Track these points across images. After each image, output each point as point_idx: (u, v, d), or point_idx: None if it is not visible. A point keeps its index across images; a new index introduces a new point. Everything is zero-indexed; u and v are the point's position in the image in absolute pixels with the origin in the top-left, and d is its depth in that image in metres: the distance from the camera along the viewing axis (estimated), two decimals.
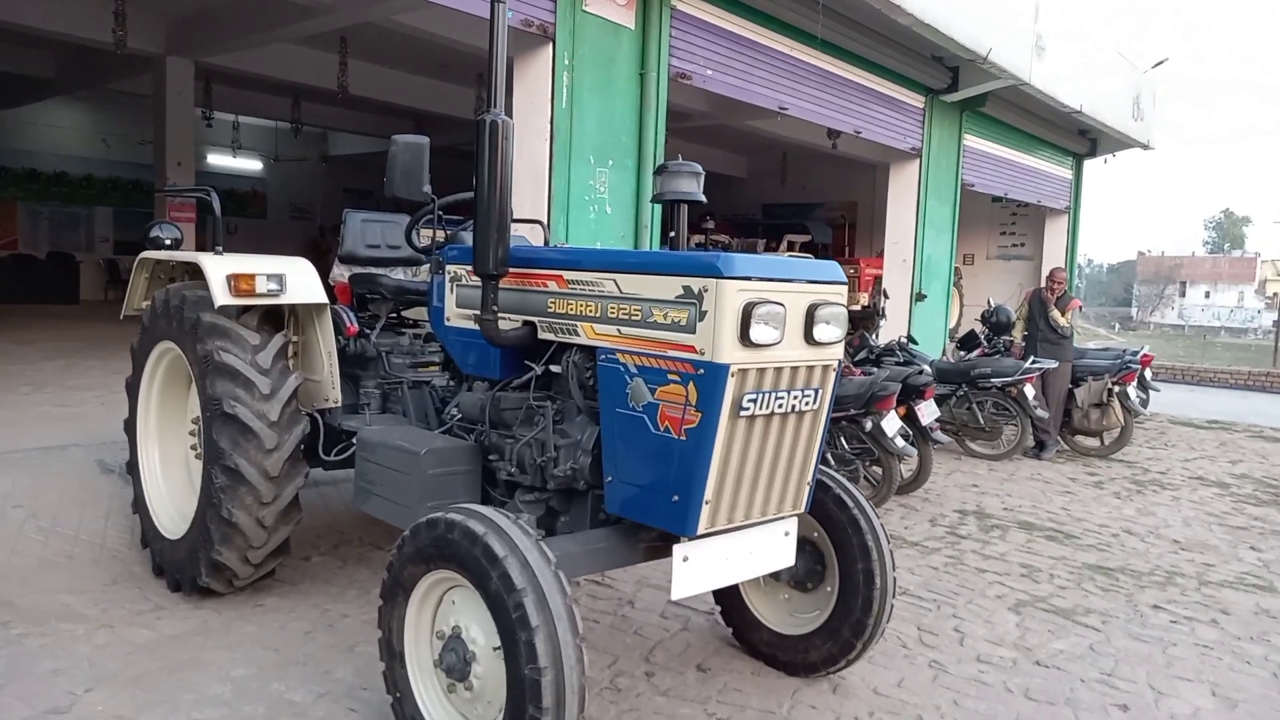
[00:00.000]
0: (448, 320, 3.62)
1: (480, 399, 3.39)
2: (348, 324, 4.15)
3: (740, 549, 2.97)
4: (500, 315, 3.16)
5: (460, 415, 3.63)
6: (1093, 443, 9.10)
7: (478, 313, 3.40)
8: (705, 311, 2.64)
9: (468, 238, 3.79)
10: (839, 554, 3.48)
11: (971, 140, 13.99)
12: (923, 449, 6.64)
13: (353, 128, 18.36)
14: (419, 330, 4.67)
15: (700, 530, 2.75)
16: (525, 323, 3.26)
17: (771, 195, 21.21)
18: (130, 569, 4.41)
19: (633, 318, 2.86)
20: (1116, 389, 8.63)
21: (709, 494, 2.72)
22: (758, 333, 2.63)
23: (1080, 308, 10.05)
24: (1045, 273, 8.78)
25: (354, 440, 4.01)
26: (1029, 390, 8.17)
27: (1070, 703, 3.63)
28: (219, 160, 19.86)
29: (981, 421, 8.44)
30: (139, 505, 4.44)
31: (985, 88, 12.61)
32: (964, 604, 4.67)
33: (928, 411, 6.68)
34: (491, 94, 3.04)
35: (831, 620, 3.50)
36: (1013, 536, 6.01)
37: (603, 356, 2.95)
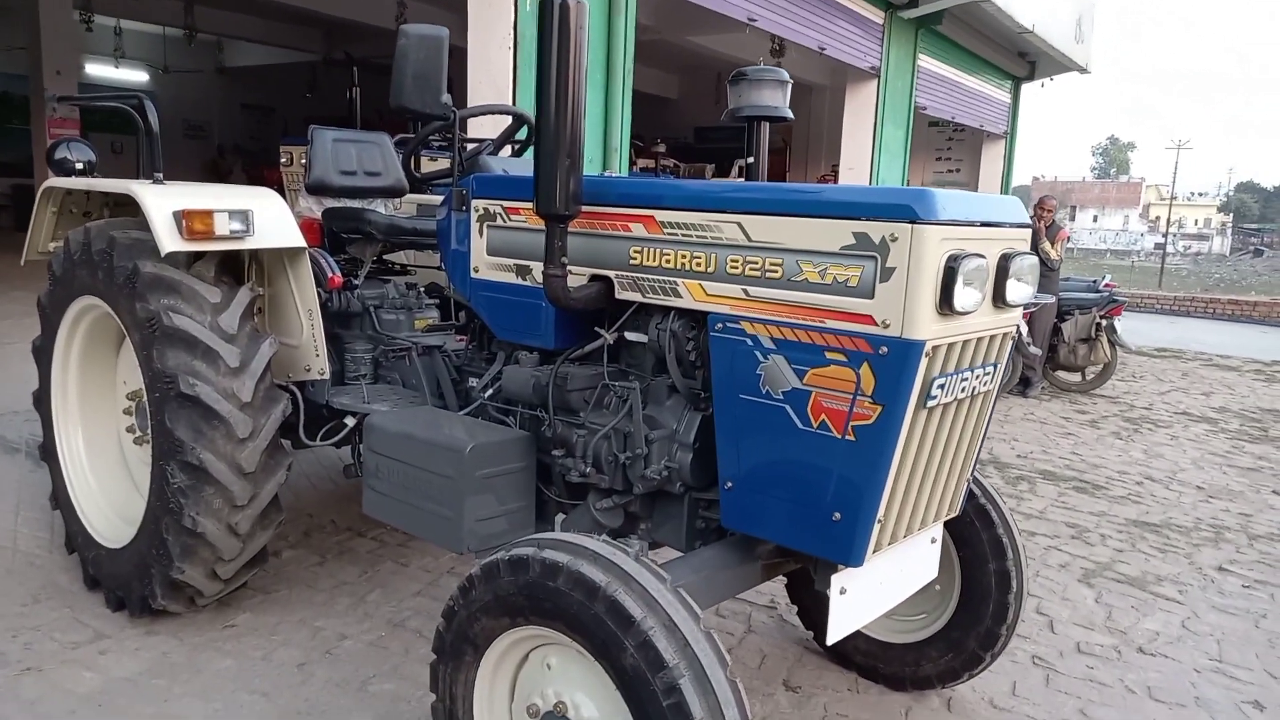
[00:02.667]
0: (475, 271, 2.82)
1: (531, 375, 2.62)
2: (330, 273, 3.28)
3: (894, 568, 2.35)
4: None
5: (493, 394, 2.86)
6: (1074, 378, 8.84)
7: (524, 263, 2.63)
8: (891, 269, 1.93)
9: (494, 164, 2.98)
10: (962, 550, 2.89)
11: (925, 61, 13.40)
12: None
13: (252, 35, 16.57)
14: (410, 278, 3.82)
15: (868, 556, 2.10)
16: (594, 278, 2.50)
17: (705, 118, 20.27)
18: (54, 580, 3.53)
19: (769, 275, 2.13)
20: (1104, 323, 8.32)
21: (881, 511, 2.06)
22: (962, 297, 1.95)
23: (1069, 238, 9.69)
24: (1034, 201, 8.36)
25: (345, 420, 3.22)
26: (1022, 327, 7.77)
27: (1201, 703, 3.19)
28: (99, 71, 17.71)
29: None
30: (60, 500, 3.54)
31: (945, 3, 11.99)
32: (1030, 576, 4.19)
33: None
34: None
35: (952, 628, 2.94)
36: (1043, 490, 5.60)
37: (718, 325, 2.23)
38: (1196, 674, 3.41)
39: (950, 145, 19.28)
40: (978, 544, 2.86)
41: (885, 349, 1.96)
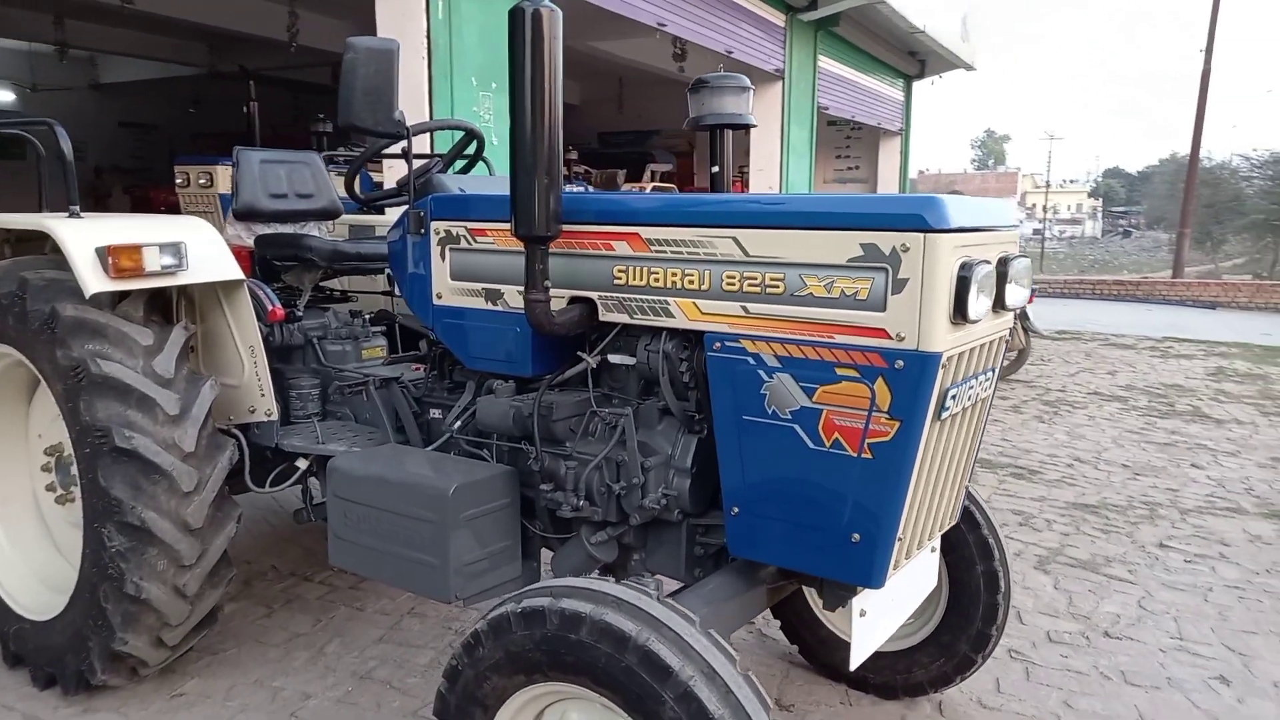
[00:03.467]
0: (438, 298, 2.65)
1: (509, 405, 2.47)
2: (270, 305, 3.05)
3: (904, 582, 2.30)
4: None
5: (463, 426, 2.69)
6: None
7: (494, 287, 2.49)
8: (904, 280, 1.87)
9: (450, 183, 2.82)
10: (949, 554, 2.87)
11: (825, 62, 13.66)
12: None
13: (130, 50, 15.65)
14: (352, 305, 3.59)
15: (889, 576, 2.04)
16: (574, 299, 2.37)
17: (608, 123, 20.21)
18: None
19: (769, 291, 2.05)
20: (1018, 310, 8.58)
21: (901, 528, 2.00)
22: (975, 305, 1.91)
23: None
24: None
25: (296, 464, 3.00)
26: (1027, 308, 8.00)
27: (1174, 684, 3.26)
28: None
29: None
30: None
31: (842, 5, 12.25)
32: None
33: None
34: None
35: (942, 633, 2.92)
36: (983, 479, 5.70)
37: (715, 345, 2.13)
38: (1162, 654, 3.49)
39: (849, 144, 19.74)
40: (964, 547, 2.85)
41: (901, 363, 1.89)
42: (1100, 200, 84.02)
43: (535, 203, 2.16)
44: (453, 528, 2.28)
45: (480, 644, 1.91)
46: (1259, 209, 25.04)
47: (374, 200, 3.09)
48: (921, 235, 1.85)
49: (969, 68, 18.40)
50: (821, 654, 3.16)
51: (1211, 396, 8.57)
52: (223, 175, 9.47)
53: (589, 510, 2.37)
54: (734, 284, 2.10)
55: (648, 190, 12.88)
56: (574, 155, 12.81)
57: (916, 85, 18.80)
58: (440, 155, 3.05)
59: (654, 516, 2.34)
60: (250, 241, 3.39)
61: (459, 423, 2.70)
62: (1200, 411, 7.88)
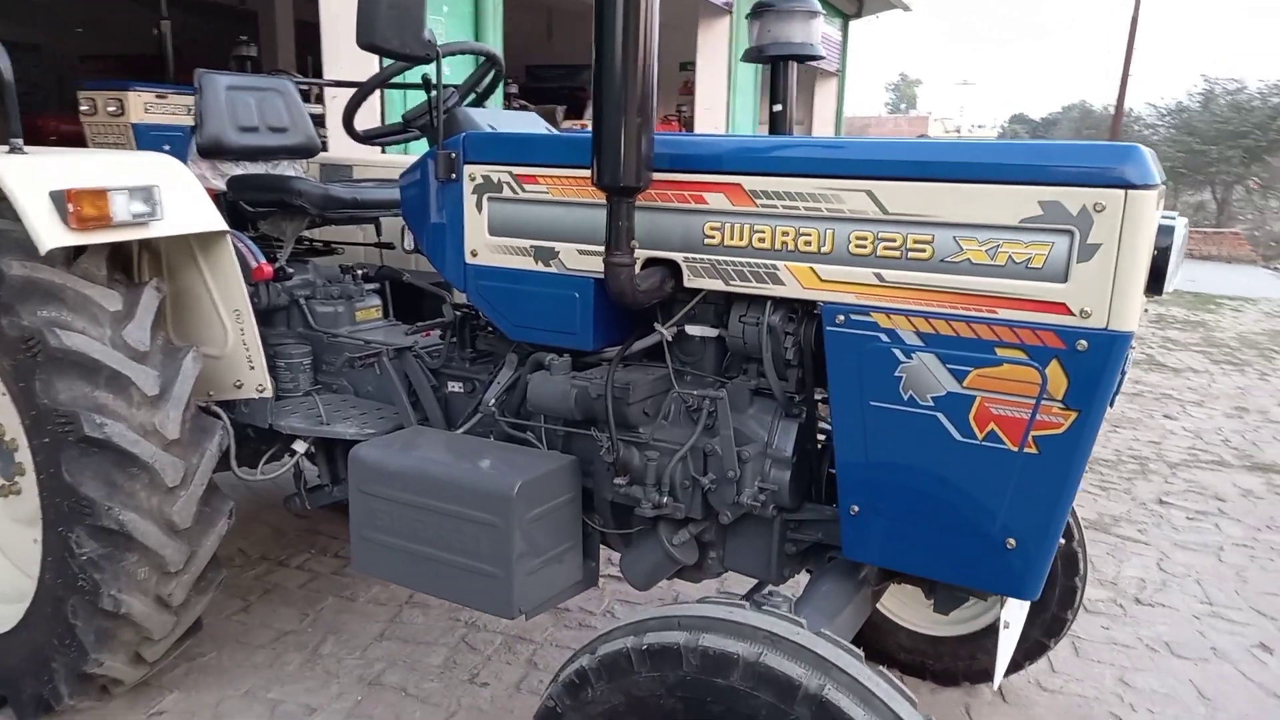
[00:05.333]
0: (473, 255, 2.25)
1: (571, 385, 2.10)
2: (255, 262, 2.58)
3: None
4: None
5: (502, 405, 2.32)
6: None
7: (547, 244, 2.11)
8: (1095, 246, 1.58)
9: (480, 118, 2.40)
10: None
11: None
12: None
13: None
14: (341, 258, 3.13)
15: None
16: (652, 262, 2.01)
17: (536, 56, 19.37)
18: None
19: (913, 255, 1.73)
20: None
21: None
22: (1172, 277, 1.64)
23: None
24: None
25: (293, 446, 2.58)
26: None
27: (1220, 654, 3.17)
28: None
29: None
30: None
31: None
32: None
33: None
34: None
35: None
36: None
37: (838, 318, 1.81)
38: (1198, 621, 3.41)
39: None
40: None
41: (1084, 343, 1.61)
42: None
43: (623, 147, 1.79)
44: (517, 532, 1.93)
45: (589, 684, 1.58)
46: (1165, 157, 25.81)
47: (376, 136, 2.63)
48: (1122, 193, 1.55)
49: (906, 8, 18.21)
50: (874, 639, 2.93)
51: (1160, 344, 8.71)
52: (135, 102, 8.58)
53: (671, 507, 2.05)
54: (865, 246, 1.78)
55: (588, 127, 12.28)
56: (514, 88, 12.12)
57: (853, 25, 18.53)
58: (454, 86, 2.60)
59: (746, 512, 2.03)
60: (220, 183, 2.88)
61: (496, 401, 2.32)
62: (1155, 360, 7.98)
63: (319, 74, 6.25)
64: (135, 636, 2.31)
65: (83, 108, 8.43)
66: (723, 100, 12.10)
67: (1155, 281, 1.63)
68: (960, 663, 2.81)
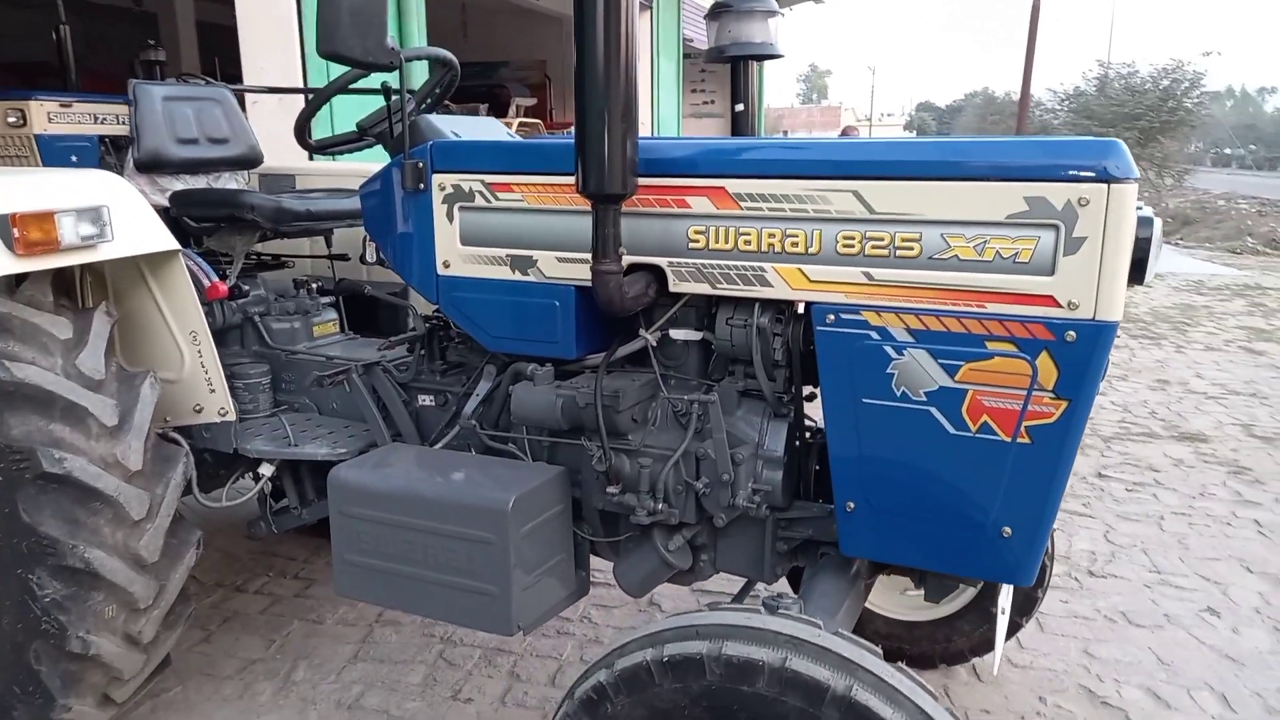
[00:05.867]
0: (444, 267, 2.20)
1: (556, 394, 2.07)
2: (208, 280, 2.47)
3: None
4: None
5: (481, 418, 2.28)
6: None
7: (523, 253, 2.08)
8: (1080, 239, 1.62)
9: (443, 126, 2.34)
10: None
11: None
12: None
13: None
14: (291, 272, 3.02)
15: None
16: (635, 268, 1.99)
17: (452, 54, 19.10)
18: None
19: (900, 253, 1.75)
20: None
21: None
22: (1153, 266, 1.69)
23: None
24: (839, 132, 8.49)
25: (260, 470, 2.49)
26: None
27: (1173, 620, 3.31)
28: None
29: None
30: None
31: None
32: None
33: None
34: None
35: (984, 598, 2.78)
36: None
37: (828, 317, 1.83)
38: (1149, 590, 3.55)
39: (704, 77, 19.51)
40: None
41: (1073, 334, 1.65)
42: (915, 133, 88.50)
43: (609, 152, 1.77)
44: (513, 548, 1.90)
45: (608, 700, 1.57)
46: None
47: (328, 147, 2.55)
48: (1105, 186, 1.60)
49: (818, 0, 18.51)
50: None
51: None
52: (38, 112, 8.16)
53: (666, 513, 2.04)
54: (853, 246, 1.79)
55: (514, 127, 12.15)
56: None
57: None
58: (412, 92, 2.53)
59: (739, 515, 2.04)
60: (161, 199, 2.75)
61: (475, 414, 2.28)
62: None
63: (228, 78, 6.04)
64: (104, 678, 2.20)
65: (10, 119, 7.99)
66: (645, 96, 12.11)
67: (1137, 271, 1.68)
68: (937, 646, 2.87)
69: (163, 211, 2.78)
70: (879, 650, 1.52)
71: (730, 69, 2.60)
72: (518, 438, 2.24)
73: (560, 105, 18.31)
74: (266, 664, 2.91)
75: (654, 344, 2.08)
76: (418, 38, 6.83)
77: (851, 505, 1.90)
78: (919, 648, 2.89)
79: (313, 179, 3.33)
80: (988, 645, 2.82)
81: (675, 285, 1.98)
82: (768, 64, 2.67)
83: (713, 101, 19.72)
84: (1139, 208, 1.76)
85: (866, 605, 2.93)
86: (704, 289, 1.95)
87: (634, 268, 1.99)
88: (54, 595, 2.06)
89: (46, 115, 6.57)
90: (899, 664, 1.54)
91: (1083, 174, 1.61)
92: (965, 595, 2.83)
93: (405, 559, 2.00)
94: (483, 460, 2.18)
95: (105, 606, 2.11)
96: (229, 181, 3.03)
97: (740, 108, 2.59)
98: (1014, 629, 2.79)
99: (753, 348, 1.95)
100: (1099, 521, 4.18)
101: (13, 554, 2.07)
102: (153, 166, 2.78)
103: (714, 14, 2.52)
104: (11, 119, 7.90)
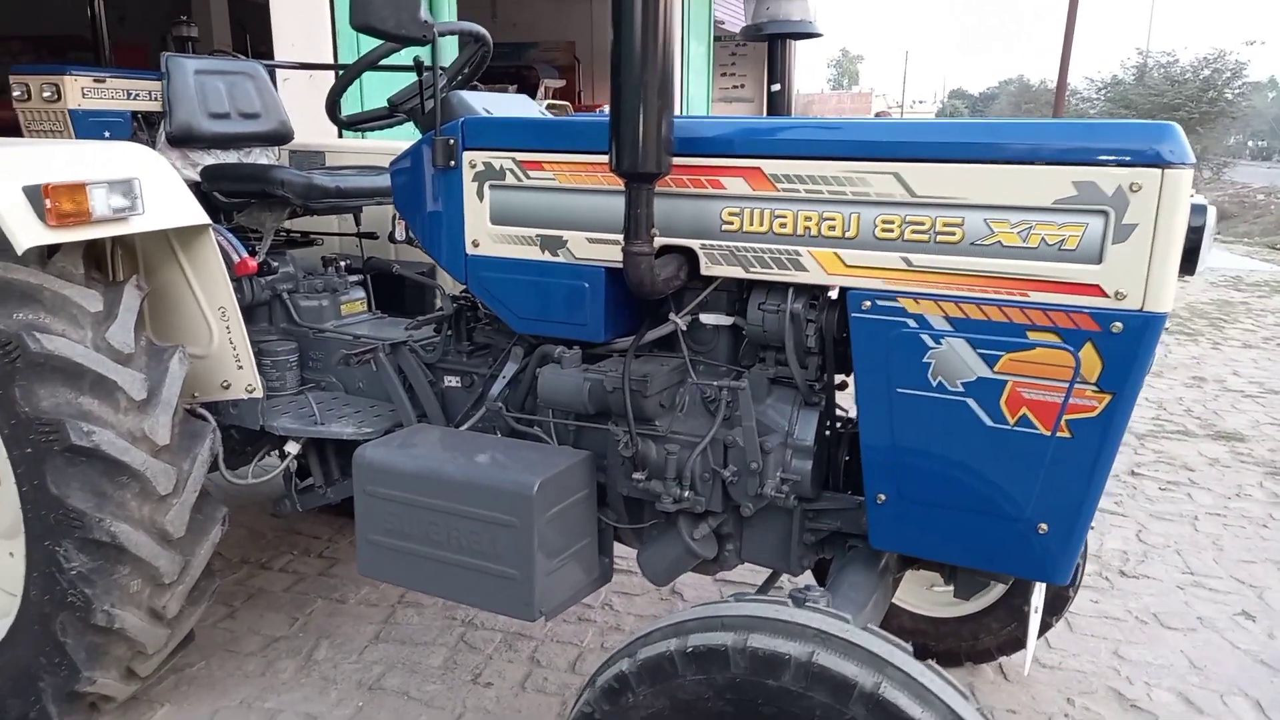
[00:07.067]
0: (474, 246, 2.17)
1: (584, 378, 2.04)
2: (238, 255, 2.47)
3: None
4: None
5: (508, 400, 2.26)
6: None
7: (554, 233, 2.04)
8: (1130, 226, 1.57)
9: (474, 102, 2.31)
10: None
11: None
12: None
13: None
14: (320, 250, 3.01)
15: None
16: (666, 248, 1.95)
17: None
18: None
19: (941, 238, 1.70)
20: None
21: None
22: (1205, 257, 1.63)
23: None
24: (873, 114, 8.37)
25: (285, 449, 2.49)
26: None
27: (1206, 623, 3.24)
28: None
29: None
30: None
31: None
32: None
33: None
34: None
35: (1014, 596, 2.72)
36: None
37: (864, 304, 1.78)
38: (1181, 591, 3.47)
39: (734, 60, 19.33)
40: None
41: (1119, 325, 1.60)
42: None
43: (643, 131, 1.73)
44: (537, 532, 1.87)
45: (629, 689, 1.54)
46: None
47: (358, 123, 2.53)
48: (1158, 171, 1.54)
49: None
50: None
51: None
52: (72, 87, 8.24)
53: (691, 500, 2.01)
54: (892, 230, 1.75)
55: (543, 107, 12.09)
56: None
57: None
58: (443, 68, 2.50)
59: (767, 504, 2.00)
60: (192, 174, 2.75)
61: (501, 396, 2.26)
62: None
63: (259, 55, 6.04)
64: (128, 651, 2.21)
65: (15, 93, 8.07)
66: (676, 78, 12.00)
67: (1188, 261, 1.62)
68: (963, 643, 2.82)
69: (193, 186, 2.78)
70: (909, 647, 1.48)
71: (766, 48, 2.54)
72: (544, 421, 2.22)
73: (589, 87, 18.25)
74: (289, 641, 2.92)
75: (684, 328, 2.05)
76: (448, 16, 6.80)
77: (883, 497, 1.86)
78: (945, 644, 2.84)
79: (342, 156, 3.32)
80: (1015, 644, 2.77)
81: (707, 268, 1.94)
82: (798, 48, 2.62)
83: (743, 85, 19.53)
84: (1192, 195, 1.71)
85: (893, 601, 2.89)
86: (737, 272, 1.91)
87: (665, 250, 1.95)
88: (80, 568, 2.07)
89: (80, 90, 6.59)
90: (929, 661, 1.50)
91: (1135, 158, 1.55)
92: (994, 592, 2.77)
93: (428, 540, 1.99)
94: (508, 443, 2.16)
95: (131, 581, 2.12)
96: (259, 157, 3.02)
97: (777, 87, 2.54)
98: (1044, 628, 2.74)
99: (785, 334, 1.91)
100: (1131, 520, 4.10)
101: (40, 526, 2.09)
102: (184, 140, 2.77)
103: None
104: (46, 94, 7.96)
